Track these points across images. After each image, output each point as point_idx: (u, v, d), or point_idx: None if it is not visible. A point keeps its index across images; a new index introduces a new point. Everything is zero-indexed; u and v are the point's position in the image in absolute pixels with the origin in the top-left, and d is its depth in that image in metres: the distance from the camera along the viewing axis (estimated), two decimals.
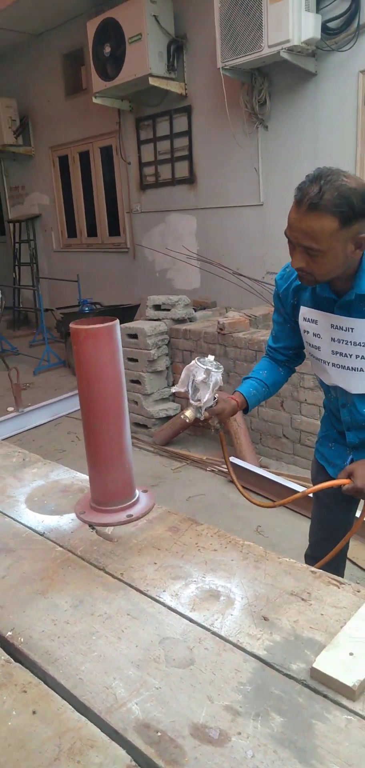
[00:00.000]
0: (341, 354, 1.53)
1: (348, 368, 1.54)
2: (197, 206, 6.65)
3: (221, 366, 1.59)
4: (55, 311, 7.42)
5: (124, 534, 1.37)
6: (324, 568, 1.89)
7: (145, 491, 1.54)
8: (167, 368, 4.61)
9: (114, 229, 7.91)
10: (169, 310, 4.62)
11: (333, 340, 1.53)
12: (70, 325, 1.35)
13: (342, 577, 2.00)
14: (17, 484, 1.68)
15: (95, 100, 6.74)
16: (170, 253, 6.82)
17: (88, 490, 1.56)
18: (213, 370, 1.55)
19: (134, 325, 4.63)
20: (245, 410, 1.75)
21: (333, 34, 4.86)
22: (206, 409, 1.58)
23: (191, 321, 4.68)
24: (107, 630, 1.04)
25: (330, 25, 4.85)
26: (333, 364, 1.57)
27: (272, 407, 3.88)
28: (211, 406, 1.59)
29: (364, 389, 1.56)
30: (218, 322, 4.12)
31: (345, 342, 1.51)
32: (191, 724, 0.84)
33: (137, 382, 4.46)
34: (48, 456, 2.18)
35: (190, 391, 1.58)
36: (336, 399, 1.66)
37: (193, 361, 1.57)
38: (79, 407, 4.10)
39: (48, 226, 8.85)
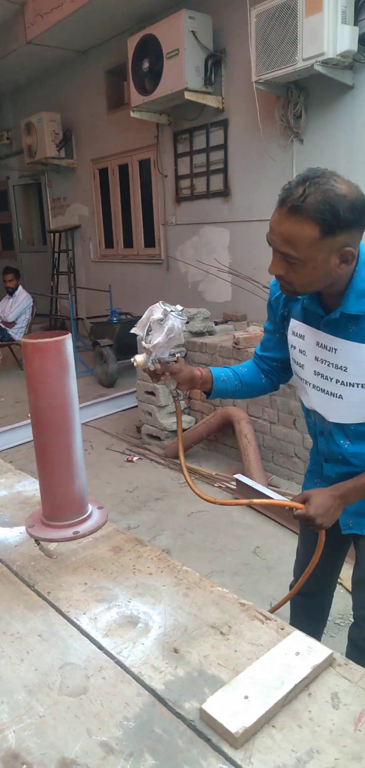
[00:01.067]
0: (322, 376, 1.42)
1: (327, 392, 1.42)
2: (230, 219, 6.62)
3: (186, 317, 1.44)
4: (85, 320, 7.53)
5: (65, 551, 1.35)
6: (318, 597, 1.82)
7: (100, 508, 1.52)
8: None
9: (149, 240, 7.99)
10: (188, 322, 4.60)
11: (316, 359, 1.42)
12: (21, 339, 1.35)
13: (329, 606, 1.91)
14: None
15: (132, 114, 6.84)
16: (203, 266, 6.81)
17: None
18: (173, 314, 1.38)
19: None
20: (208, 394, 1.61)
21: None
22: (160, 361, 1.42)
23: (210, 334, 4.64)
24: (13, 650, 1.03)
25: None
26: (314, 386, 1.45)
27: (284, 425, 3.78)
28: (167, 362, 1.44)
29: (341, 418, 1.43)
30: (234, 337, 4.06)
31: (327, 363, 1.39)
32: (60, 758, 0.81)
33: (152, 393, 4.45)
34: None
35: (144, 333, 1.42)
36: (314, 425, 1.55)
37: (157, 302, 1.43)
38: (95, 416, 4.12)
39: (87, 236, 9.03)
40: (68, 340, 1.36)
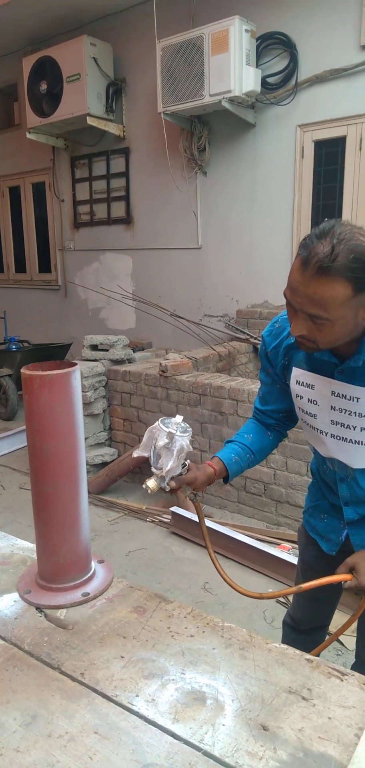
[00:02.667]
0: (342, 425, 1.35)
1: (350, 441, 1.35)
2: (133, 246, 6.57)
3: (190, 428, 1.38)
4: None
5: (80, 618, 1.15)
6: (315, 634, 1.75)
7: (101, 562, 1.34)
8: (104, 411, 4.39)
9: (45, 266, 7.67)
10: (107, 350, 4.42)
11: (333, 408, 1.35)
12: (22, 370, 1.15)
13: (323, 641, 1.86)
14: None
15: (28, 136, 6.59)
16: (105, 292, 6.66)
17: (33, 562, 1.33)
18: (178, 433, 1.33)
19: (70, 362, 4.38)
20: (225, 479, 1.53)
21: (273, 89, 5.02)
22: (173, 479, 1.37)
23: (129, 362, 4.51)
24: (71, 758, 0.82)
25: (270, 80, 5.01)
26: (333, 435, 1.38)
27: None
28: (180, 474, 1.38)
29: None
30: (161, 365, 3.97)
31: (347, 412, 1.32)
32: None
33: None
34: None
35: (152, 458, 1.37)
36: (332, 472, 1.47)
37: (156, 423, 1.37)
38: (0, 452, 3.77)
39: None
40: (77, 372, 1.18)
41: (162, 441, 1.33)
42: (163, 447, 1.34)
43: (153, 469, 1.37)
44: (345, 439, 1.36)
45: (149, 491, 1.38)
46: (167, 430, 1.33)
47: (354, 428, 1.34)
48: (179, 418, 1.37)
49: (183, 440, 1.34)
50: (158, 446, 1.34)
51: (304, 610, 1.76)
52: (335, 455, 1.41)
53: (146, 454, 1.37)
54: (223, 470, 1.50)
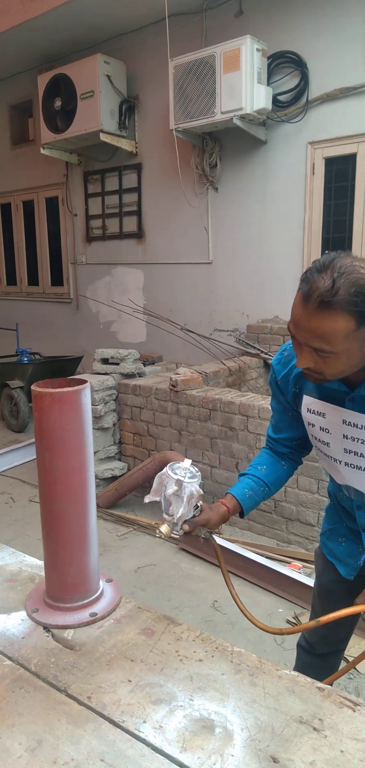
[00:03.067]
0: (356, 453, 1.33)
1: (364, 469, 1.34)
2: (144, 261, 6.61)
3: (199, 472, 1.37)
4: None
5: (88, 639, 1.14)
6: (330, 659, 1.72)
7: (109, 581, 1.32)
8: (114, 425, 4.39)
9: (57, 279, 7.73)
10: (118, 364, 4.43)
11: (345, 437, 1.33)
12: (33, 387, 1.14)
13: (339, 667, 1.83)
14: None
15: (42, 151, 6.67)
16: (116, 305, 6.69)
17: (41, 579, 1.32)
18: (186, 480, 1.32)
19: (80, 378, 4.39)
20: (241, 514, 1.52)
21: (284, 106, 5.05)
22: (186, 522, 1.37)
23: (140, 376, 4.51)
24: None
25: (281, 98, 5.03)
26: (346, 464, 1.36)
27: (226, 469, 3.73)
28: (193, 516, 1.37)
29: None
30: (171, 379, 3.97)
31: (360, 441, 1.30)
32: None
33: None
34: None
35: (163, 504, 1.36)
36: (349, 499, 1.46)
37: (165, 469, 1.36)
38: (11, 464, 3.78)
39: None
40: (88, 390, 1.18)
41: (171, 489, 1.33)
42: (172, 494, 1.34)
43: (164, 516, 1.36)
44: (360, 468, 1.34)
45: (162, 537, 1.38)
46: (176, 477, 1.33)
47: None
48: (187, 463, 1.37)
49: (193, 486, 1.34)
50: (167, 494, 1.34)
51: (319, 634, 1.73)
52: (350, 483, 1.39)
53: (157, 499, 1.37)
54: (237, 507, 1.48)
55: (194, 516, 1.38)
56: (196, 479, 1.35)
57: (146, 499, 1.41)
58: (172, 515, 1.34)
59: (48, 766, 0.84)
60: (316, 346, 1.15)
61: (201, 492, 1.37)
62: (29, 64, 7.03)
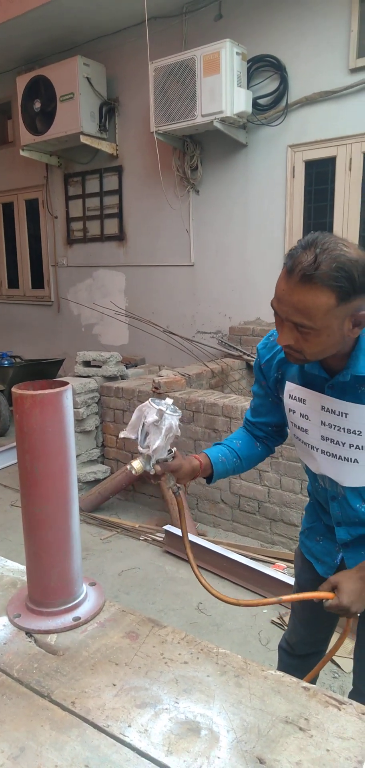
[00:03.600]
0: (332, 441, 1.34)
1: (339, 458, 1.34)
2: (126, 263, 6.59)
3: (179, 411, 1.35)
4: None
5: (71, 644, 1.12)
6: (311, 660, 1.71)
7: (92, 584, 1.31)
8: (97, 428, 4.36)
9: (38, 281, 7.67)
10: (100, 366, 4.41)
11: (323, 423, 1.34)
12: (13, 389, 1.13)
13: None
14: None
15: (22, 153, 6.62)
16: (98, 308, 6.66)
17: (23, 584, 1.30)
18: (168, 412, 1.30)
19: (62, 380, 4.36)
20: (209, 479, 1.51)
21: (264, 109, 5.08)
22: (158, 462, 1.33)
23: (123, 378, 4.49)
24: None
25: (261, 101, 5.07)
26: (323, 451, 1.37)
27: None
28: (166, 460, 1.35)
29: (358, 482, 1.36)
30: (154, 381, 3.96)
31: (337, 428, 1.31)
32: None
33: None
34: None
35: (139, 437, 1.33)
36: (324, 490, 1.46)
37: (146, 401, 1.33)
38: None
39: None
40: (69, 392, 1.16)
41: (151, 417, 1.30)
42: (152, 424, 1.30)
43: (140, 449, 1.32)
44: (335, 456, 1.35)
45: (133, 472, 1.33)
46: (157, 407, 1.30)
47: (343, 444, 1.33)
48: (169, 401, 1.35)
49: (173, 420, 1.31)
50: (147, 422, 1.31)
51: (299, 635, 1.73)
52: (325, 472, 1.40)
53: (133, 436, 1.34)
54: (208, 466, 1.48)
55: (166, 460, 1.35)
56: (177, 415, 1.32)
57: (122, 434, 1.37)
58: (148, 446, 1.31)
59: None
60: (297, 320, 1.16)
61: (179, 432, 1.35)
62: (8, 65, 6.97)
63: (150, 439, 1.31)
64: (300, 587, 1.68)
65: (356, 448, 1.31)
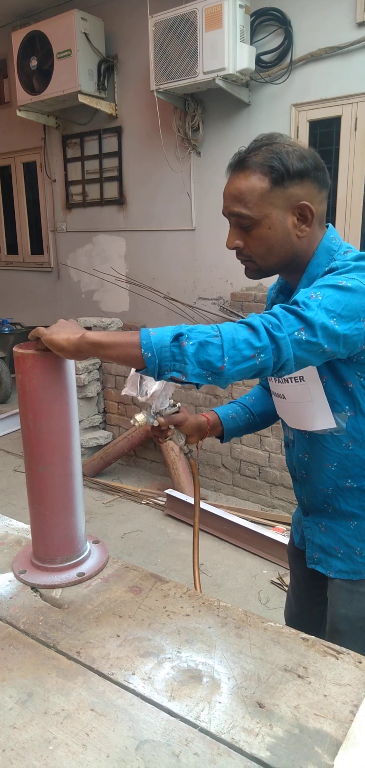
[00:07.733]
0: (278, 380, 1.27)
1: (276, 394, 1.29)
2: (126, 228, 6.50)
3: None
4: None
5: (76, 598, 1.15)
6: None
7: (96, 542, 1.33)
8: (98, 394, 4.37)
9: (37, 247, 7.59)
10: None
11: None
12: (15, 349, 1.13)
13: None
14: None
15: (19, 114, 6.47)
16: (98, 274, 6.61)
17: (28, 542, 1.33)
18: None
19: None
20: (221, 438, 1.44)
21: (267, 67, 4.95)
22: (162, 414, 1.30)
23: None
24: (68, 734, 0.82)
25: (264, 58, 4.93)
26: (275, 394, 1.31)
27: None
28: (170, 414, 1.32)
29: (291, 422, 1.29)
30: None
31: None
32: None
33: None
34: None
35: (138, 389, 1.29)
36: (286, 437, 1.40)
37: None
38: None
39: None
40: None
41: None
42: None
43: (139, 398, 1.30)
44: (280, 395, 1.29)
45: (136, 425, 1.31)
46: None
47: (288, 381, 1.24)
48: None
49: None
50: (142, 372, 1.29)
51: (292, 619, 1.62)
52: (279, 413, 1.35)
53: (133, 393, 1.30)
54: (218, 424, 1.41)
55: (170, 414, 1.32)
56: None
57: (123, 392, 1.33)
58: (146, 394, 1.28)
59: (39, 717, 0.86)
60: (235, 210, 1.15)
61: (174, 388, 1.32)
62: (3, 20, 6.75)
63: (147, 387, 1.29)
64: (288, 554, 1.65)
65: (294, 381, 1.22)
